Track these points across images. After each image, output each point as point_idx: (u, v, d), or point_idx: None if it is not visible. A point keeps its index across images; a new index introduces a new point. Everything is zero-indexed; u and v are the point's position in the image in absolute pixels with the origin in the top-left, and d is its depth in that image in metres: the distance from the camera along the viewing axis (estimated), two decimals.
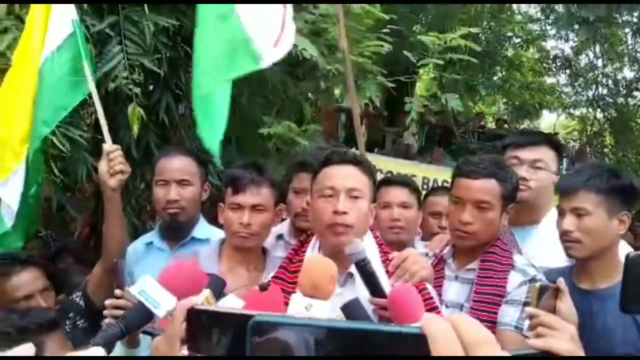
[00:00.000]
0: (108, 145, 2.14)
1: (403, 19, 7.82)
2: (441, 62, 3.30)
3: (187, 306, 1.01)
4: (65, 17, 2.26)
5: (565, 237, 1.74)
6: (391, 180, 2.46)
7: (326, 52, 3.30)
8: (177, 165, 2.21)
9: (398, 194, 2.35)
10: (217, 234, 2.21)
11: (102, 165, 2.11)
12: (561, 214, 1.77)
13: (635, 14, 9.90)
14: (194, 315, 0.99)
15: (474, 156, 1.94)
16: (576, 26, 9.99)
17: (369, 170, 1.67)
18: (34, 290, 2.10)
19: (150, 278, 1.21)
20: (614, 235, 1.73)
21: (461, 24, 6.97)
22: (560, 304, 1.38)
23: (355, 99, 2.62)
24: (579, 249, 1.72)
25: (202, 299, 1.20)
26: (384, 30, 3.96)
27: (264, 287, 1.30)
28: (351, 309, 1.21)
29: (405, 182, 2.45)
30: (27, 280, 2.10)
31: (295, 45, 2.95)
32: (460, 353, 0.40)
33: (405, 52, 3.24)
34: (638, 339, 1.57)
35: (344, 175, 1.61)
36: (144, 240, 2.32)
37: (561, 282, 1.43)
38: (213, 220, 2.31)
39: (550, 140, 2.31)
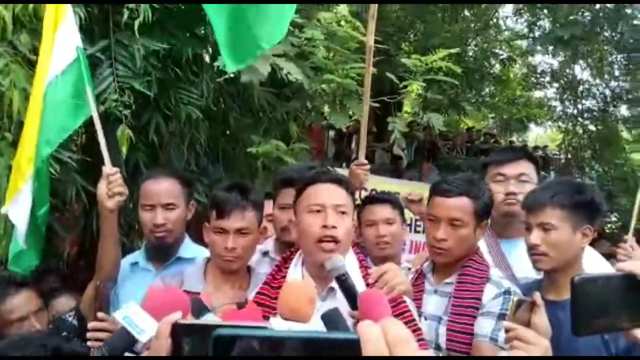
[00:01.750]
0: (108, 167, 2.18)
1: (389, 39, 7.99)
2: (423, 85, 3.40)
3: (171, 321, 1.08)
4: (69, 44, 2.34)
5: (532, 250, 1.82)
6: (374, 199, 2.54)
7: (311, 74, 3.39)
8: (162, 188, 2.24)
9: (382, 211, 2.44)
10: (203, 252, 2.25)
11: (102, 187, 2.14)
12: (528, 228, 1.85)
13: (618, 29, 10.12)
14: (178, 329, 1.06)
15: (449, 175, 2.03)
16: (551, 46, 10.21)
17: (350, 188, 1.75)
18: (28, 312, 2.12)
19: (135, 304, 1.24)
20: (578, 248, 1.81)
21: (445, 43, 7.13)
22: (534, 317, 1.45)
23: (367, 106, 2.73)
24: (546, 262, 1.80)
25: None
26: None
27: (241, 306, 1.36)
28: (330, 318, 1.26)
29: (387, 199, 2.53)
30: (21, 303, 2.12)
31: (280, 69, 3.06)
32: (385, 352, 0.47)
33: (388, 74, 3.34)
34: (602, 345, 1.64)
35: (331, 193, 1.68)
36: (129, 261, 2.36)
37: (537, 296, 1.50)
38: (198, 238, 2.36)
39: (528, 153, 2.42)
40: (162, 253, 2.30)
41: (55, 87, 2.31)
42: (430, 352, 1.77)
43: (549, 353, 1.40)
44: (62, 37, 2.34)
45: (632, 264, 1.20)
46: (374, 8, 2.62)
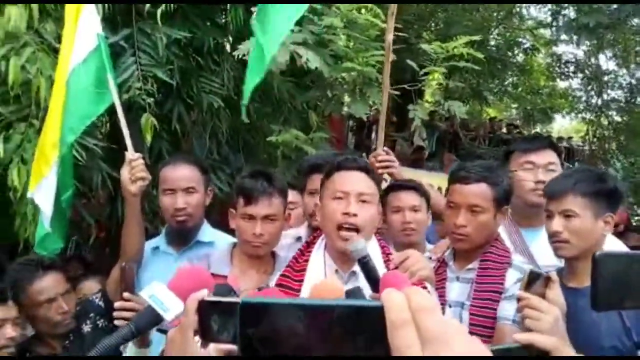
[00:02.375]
0: (130, 153, 2.24)
1: (409, 27, 7.91)
2: (444, 71, 3.36)
3: (198, 298, 1.10)
4: (91, 31, 2.39)
5: (554, 237, 1.81)
6: (401, 185, 2.54)
7: (331, 62, 3.38)
8: (182, 174, 2.29)
9: (408, 198, 2.44)
10: (221, 237, 2.30)
11: (125, 172, 2.20)
12: (549, 216, 1.84)
13: None
14: (204, 306, 1.08)
15: (467, 162, 2.02)
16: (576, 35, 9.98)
17: (377, 178, 1.77)
18: (56, 293, 2.18)
19: (160, 284, 1.28)
20: (599, 236, 1.80)
21: (467, 32, 7.03)
22: (549, 291, 1.45)
23: (388, 94, 2.71)
24: (567, 249, 1.79)
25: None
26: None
27: (261, 290, 1.38)
28: (354, 295, 1.29)
29: (414, 186, 2.53)
30: (49, 284, 2.18)
31: (299, 56, 3.06)
32: (409, 319, 0.47)
33: (409, 61, 3.31)
34: (622, 330, 1.63)
35: (355, 180, 1.70)
36: (151, 245, 2.40)
37: (553, 273, 1.50)
38: (218, 223, 2.39)
39: (553, 143, 2.40)
40: (182, 237, 2.34)
41: (77, 74, 2.36)
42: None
43: (560, 324, 1.40)
44: (83, 25, 2.39)
45: None
46: (393, 6, 2.61)
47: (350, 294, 1.30)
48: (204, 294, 1.10)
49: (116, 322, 1.81)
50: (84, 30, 2.38)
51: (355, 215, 1.63)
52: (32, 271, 2.16)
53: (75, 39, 2.38)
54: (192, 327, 1.07)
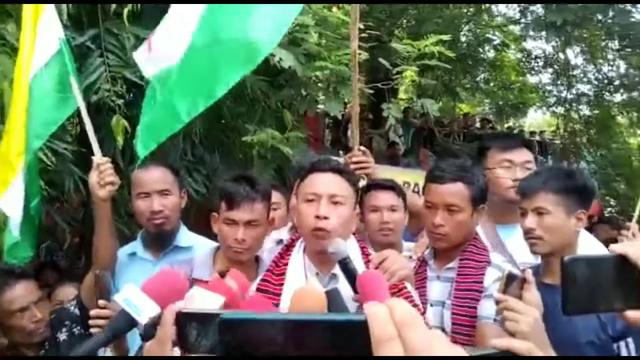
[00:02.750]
0: (98, 157, 2.19)
1: (381, 25, 7.94)
2: (416, 69, 3.37)
3: (176, 309, 1.07)
4: (52, 35, 2.33)
5: (528, 234, 1.84)
6: (379, 185, 2.53)
7: (304, 60, 3.36)
8: (155, 176, 2.25)
9: (386, 198, 2.43)
10: (200, 241, 2.26)
11: (93, 177, 2.16)
12: (523, 214, 1.87)
13: (610, 14, 10.10)
14: (182, 318, 1.05)
15: (443, 162, 2.04)
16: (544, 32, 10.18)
17: (352, 178, 1.74)
18: (28, 302, 2.13)
19: (134, 286, 1.25)
20: (573, 232, 1.84)
21: (438, 29, 7.09)
22: (525, 293, 1.47)
23: (358, 100, 2.66)
24: (541, 246, 1.82)
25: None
26: (362, 35, 4.03)
27: (222, 274, 1.37)
28: (330, 297, 1.28)
29: (391, 186, 2.53)
30: (21, 293, 2.13)
31: (272, 55, 3.02)
32: (393, 332, 0.46)
33: (381, 60, 3.31)
34: (598, 325, 1.66)
35: (326, 182, 1.67)
36: (127, 251, 2.35)
37: (528, 272, 1.52)
38: (196, 226, 2.35)
39: (527, 142, 2.48)
40: (160, 242, 2.30)
41: (40, 79, 2.31)
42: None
43: (539, 323, 1.42)
44: (44, 28, 2.33)
45: (623, 246, 1.21)
46: (355, 12, 2.48)
47: (328, 295, 1.29)
48: (181, 305, 1.07)
49: (92, 330, 1.76)
50: (44, 34, 2.32)
51: (326, 217, 1.61)
52: (3, 280, 2.11)
53: (36, 42, 2.31)
54: (170, 338, 1.04)
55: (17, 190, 2.33)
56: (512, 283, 1.49)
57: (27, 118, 2.31)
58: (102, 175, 2.13)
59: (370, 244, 2.34)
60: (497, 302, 1.48)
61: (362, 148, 2.61)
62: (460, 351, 0.48)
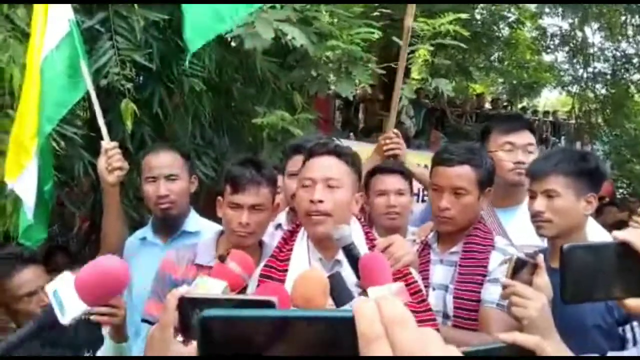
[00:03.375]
0: (106, 142, 2.20)
1: (394, 3, 7.79)
2: (431, 48, 3.31)
3: (178, 294, 1.08)
4: (62, 17, 2.32)
5: (536, 217, 1.82)
6: (385, 169, 2.52)
7: (316, 40, 3.31)
8: (163, 161, 2.26)
9: (393, 182, 2.42)
10: (209, 226, 2.26)
11: (101, 162, 2.17)
12: (532, 196, 1.85)
13: None
14: (184, 304, 1.06)
15: (451, 144, 2.03)
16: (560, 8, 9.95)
17: (351, 160, 1.71)
18: (36, 287, 2.14)
19: (69, 277, 1.18)
20: (581, 216, 1.81)
21: (453, 7, 6.94)
22: (536, 278, 1.46)
23: (400, 87, 2.79)
24: (549, 228, 1.80)
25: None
26: (375, 14, 3.97)
27: (222, 258, 1.36)
28: (332, 281, 1.28)
29: (398, 169, 2.51)
30: (29, 278, 2.14)
31: (284, 34, 2.99)
32: (381, 331, 0.45)
33: (395, 39, 3.25)
34: (605, 310, 1.65)
35: (322, 166, 1.66)
36: (139, 235, 2.38)
37: (540, 257, 1.50)
38: (205, 211, 2.36)
39: (530, 125, 2.44)
40: (168, 226, 2.31)
41: (51, 61, 2.31)
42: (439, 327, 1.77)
43: (546, 309, 1.41)
44: (54, 11, 2.32)
45: (626, 232, 1.18)
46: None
47: (331, 279, 1.28)
48: (184, 290, 1.07)
49: (92, 317, 1.77)
50: (55, 16, 2.31)
51: (321, 201, 1.60)
52: (11, 265, 2.12)
53: (47, 25, 2.30)
54: (172, 324, 1.05)
55: (31, 173, 2.36)
56: (521, 269, 1.47)
57: (40, 100, 2.32)
58: (110, 160, 2.15)
59: (375, 228, 2.35)
60: (504, 287, 1.46)
61: (396, 131, 2.65)
62: (454, 351, 0.47)
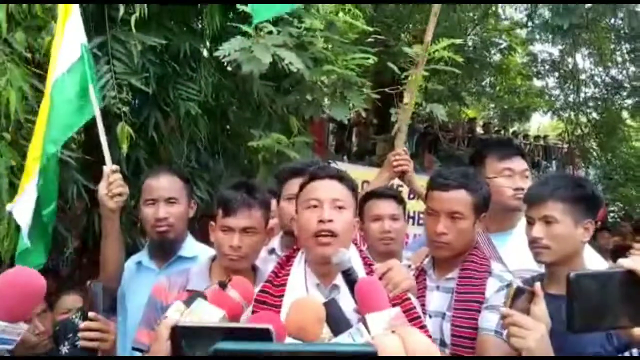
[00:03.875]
0: (108, 167, 2.17)
1: (388, 29, 7.92)
2: (425, 74, 3.35)
3: (171, 323, 1.06)
4: (76, 41, 2.35)
5: (535, 244, 1.81)
6: (380, 193, 2.52)
7: (311, 65, 3.35)
8: (163, 184, 2.25)
9: (388, 207, 2.43)
10: (205, 251, 2.24)
11: (102, 188, 2.14)
12: (530, 222, 1.84)
13: (620, 16, 10.02)
14: (177, 332, 1.04)
15: (445, 169, 2.03)
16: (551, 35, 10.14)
17: (352, 185, 1.73)
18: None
19: None
20: (579, 242, 1.81)
21: (445, 33, 7.04)
22: (534, 307, 1.44)
23: (409, 112, 2.93)
24: (547, 255, 1.79)
25: (174, 311, 1.22)
26: (369, 40, 4.02)
27: (223, 285, 1.34)
28: (329, 309, 1.26)
29: (393, 194, 2.51)
30: None
31: (281, 59, 3.02)
32: None
33: (389, 64, 3.29)
34: (605, 338, 1.63)
35: (328, 188, 1.67)
36: (135, 260, 2.35)
37: (537, 286, 1.49)
38: (201, 235, 2.34)
39: (521, 150, 2.48)
40: (164, 251, 2.29)
41: (61, 85, 2.32)
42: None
43: (546, 340, 1.40)
44: (68, 35, 2.35)
45: (632, 260, 1.18)
46: (437, 6, 2.81)
47: (327, 306, 1.26)
48: (176, 319, 1.05)
49: (81, 342, 1.74)
50: (68, 40, 2.34)
51: (330, 221, 1.60)
52: None
53: (60, 49, 2.33)
54: (165, 354, 1.03)
55: (29, 196, 2.32)
56: (519, 296, 1.46)
57: (47, 124, 2.31)
58: (111, 186, 2.12)
59: (369, 253, 2.34)
60: (504, 317, 1.45)
61: (404, 148, 2.71)
62: None
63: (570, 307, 1.14)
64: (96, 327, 1.75)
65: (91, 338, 1.73)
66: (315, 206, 1.64)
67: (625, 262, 1.17)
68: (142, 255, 2.36)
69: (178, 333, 1.01)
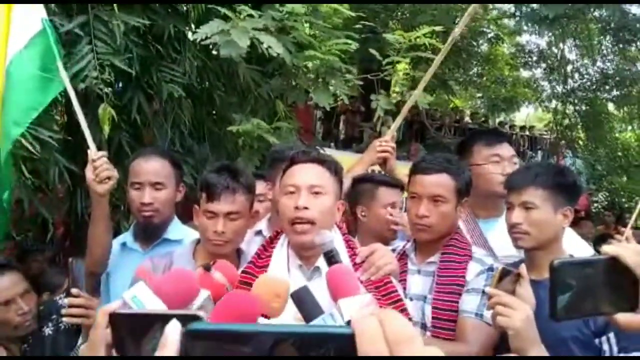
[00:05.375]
0: (93, 152, 2.11)
1: (376, 16, 7.88)
2: (407, 60, 3.34)
3: (109, 310, 1.03)
4: (33, 16, 2.23)
5: (514, 229, 1.84)
6: (392, 183, 2.56)
7: (294, 49, 3.31)
8: (151, 167, 2.21)
9: (396, 195, 2.52)
10: (191, 234, 2.22)
11: (89, 173, 2.09)
12: (510, 208, 1.87)
13: (604, 10, 10.08)
14: (116, 319, 1.00)
15: (428, 155, 2.06)
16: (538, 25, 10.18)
17: (334, 168, 1.71)
18: (14, 294, 2.08)
19: (144, 285, 1.17)
20: (558, 228, 1.83)
21: (433, 21, 7.04)
22: (519, 288, 1.45)
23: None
24: (526, 240, 1.82)
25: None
26: (357, 26, 3.99)
27: (207, 267, 1.33)
28: (299, 296, 1.23)
29: (401, 184, 2.53)
30: (6, 286, 2.08)
31: (261, 43, 2.99)
32: (385, 351, 0.42)
33: (371, 50, 3.28)
34: (582, 322, 1.66)
35: (306, 173, 1.65)
36: (119, 241, 2.32)
37: (523, 268, 1.50)
38: (187, 218, 2.32)
39: (508, 137, 2.51)
40: (149, 233, 2.26)
41: (19, 62, 2.20)
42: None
43: (531, 320, 1.41)
44: (21, 11, 2.22)
45: (616, 247, 1.19)
46: (475, 7, 2.82)
47: (295, 295, 1.23)
48: (115, 306, 1.03)
49: (64, 319, 1.72)
50: (22, 17, 2.21)
51: (305, 208, 1.59)
52: None
53: (12, 26, 2.20)
54: (103, 342, 0.99)
55: None
56: (505, 278, 1.47)
57: (4, 105, 2.19)
58: (97, 171, 2.06)
59: (363, 236, 2.36)
60: (490, 297, 1.46)
61: (393, 135, 2.71)
62: None
63: (553, 295, 1.14)
64: (79, 303, 1.74)
65: (75, 315, 1.72)
66: (292, 192, 1.63)
67: (609, 249, 1.18)
68: (127, 236, 2.33)
69: (117, 320, 0.97)
